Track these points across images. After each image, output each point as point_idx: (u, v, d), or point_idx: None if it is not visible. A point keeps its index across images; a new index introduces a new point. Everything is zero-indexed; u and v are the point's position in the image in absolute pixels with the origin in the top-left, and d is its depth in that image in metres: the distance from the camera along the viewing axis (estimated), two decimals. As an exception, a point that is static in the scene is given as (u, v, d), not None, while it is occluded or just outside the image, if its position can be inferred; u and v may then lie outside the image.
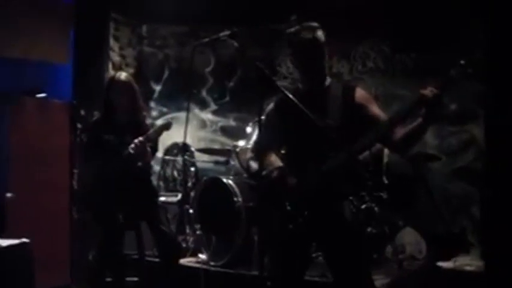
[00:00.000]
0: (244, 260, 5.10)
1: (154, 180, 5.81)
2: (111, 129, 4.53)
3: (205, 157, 6.54)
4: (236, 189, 5.26)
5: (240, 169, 5.63)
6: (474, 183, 5.73)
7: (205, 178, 5.78)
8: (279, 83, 3.20)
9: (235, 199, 5.22)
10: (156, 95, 7.23)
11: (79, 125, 6.21)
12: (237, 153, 5.64)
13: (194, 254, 5.66)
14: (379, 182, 5.23)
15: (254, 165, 5.19)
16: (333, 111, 3.18)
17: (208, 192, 5.55)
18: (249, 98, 6.18)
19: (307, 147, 3.19)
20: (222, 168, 6.16)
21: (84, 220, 5.91)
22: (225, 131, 7.22)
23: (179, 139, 6.06)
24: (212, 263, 5.31)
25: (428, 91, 2.87)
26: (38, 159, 5.82)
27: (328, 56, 3.28)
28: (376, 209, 5.09)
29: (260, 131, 3.41)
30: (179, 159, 6.55)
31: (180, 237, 5.85)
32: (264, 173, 3.21)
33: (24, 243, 4.61)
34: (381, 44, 6.40)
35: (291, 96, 3.07)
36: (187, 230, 5.90)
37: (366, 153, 4.77)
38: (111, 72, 6.40)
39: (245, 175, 5.55)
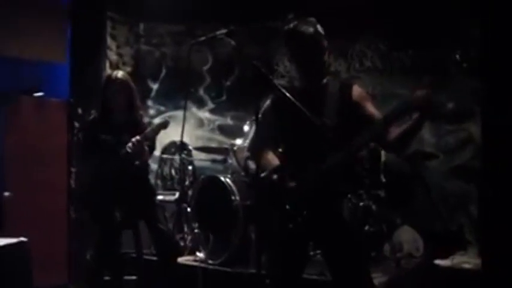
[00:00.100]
0: (241, 258, 5.11)
1: (152, 178, 5.80)
2: (108, 128, 4.53)
3: (203, 156, 6.54)
4: (234, 188, 5.27)
5: (237, 168, 5.63)
6: (472, 181, 5.73)
7: (202, 177, 5.78)
8: (276, 82, 3.19)
9: (232, 198, 5.22)
10: (153, 93, 7.22)
11: (76, 124, 6.21)
12: (234, 152, 5.65)
13: (192, 253, 5.66)
14: (377, 180, 5.24)
15: (252, 165, 5.19)
16: (329, 109, 3.16)
17: (205, 191, 5.55)
18: (247, 97, 6.20)
19: (304, 145, 3.18)
20: (220, 167, 6.16)
21: (82, 219, 5.91)
22: (222, 129, 7.21)
23: (177, 138, 6.05)
24: (210, 262, 5.31)
25: (419, 95, 2.85)
26: (35, 158, 5.82)
27: (327, 52, 3.25)
28: (373, 207, 5.10)
29: (256, 129, 3.40)
30: (177, 157, 6.54)
31: (178, 236, 5.85)
32: (263, 174, 3.20)
33: (22, 242, 4.60)
34: (378, 42, 6.40)
35: (287, 94, 3.06)
36: (185, 229, 5.90)
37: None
38: (108, 71, 6.39)
39: (243, 174, 5.55)
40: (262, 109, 3.35)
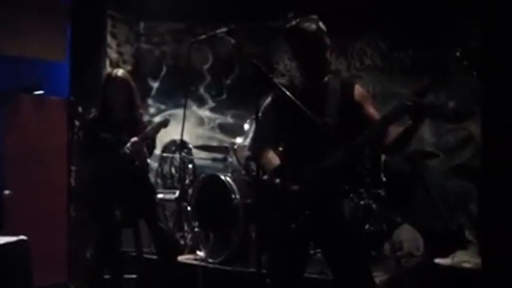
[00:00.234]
0: (242, 257, 5.11)
1: (152, 177, 5.80)
2: (108, 127, 4.52)
3: (203, 154, 6.54)
4: (234, 187, 5.26)
5: (237, 166, 5.63)
6: (472, 180, 5.73)
7: (203, 175, 5.78)
8: (276, 80, 3.18)
9: (233, 196, 5.22)
10: (153, 92, 7.22)
11: (77, 122, 6.21)
12: (234, 151, 5.65)
13: (192, 251, 5.66)
14: (377, 179, 5.23)
15: (254, 166, 5.19)
16: (331, 108, 3.15)
17: (206, 190, 5.54)
18: (247, 95, 6.20)
19: (304, 144, 3.17)
20: (220, 166, 6.17)
21: (82, 218, 5.91)
22: (222, 128, 7.21)
23: (177, 136, 6.04)
24: (210, 260, 5.31)
25: (412, 102, 2.85)
26: (35, 157, 5.82)
27: (330, 50, 3.24)
28: (374, 206, 5.10)
29: (256, 127, 3.40)
30: (177, 156, 6.54)
31: (178, 235, 5.85)
32: (264, 177, 3.19)
33: (22, 240, 4.60)
34: (378, 41, 6.40)
35: (287, 93, 3.06)
36: (185, 227, 5.90)
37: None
38: (109, 69, 6.39)
39: (243, 172, 5.55)
40: (262, 107, 3.34)
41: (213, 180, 5.47)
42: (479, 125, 5.32)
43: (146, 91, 7.06)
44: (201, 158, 6.59)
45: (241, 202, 5.18)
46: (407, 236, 5.12)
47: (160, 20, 7.15)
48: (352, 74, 6.50)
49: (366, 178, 5.11)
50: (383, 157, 5.33)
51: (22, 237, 4.60)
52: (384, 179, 5.27)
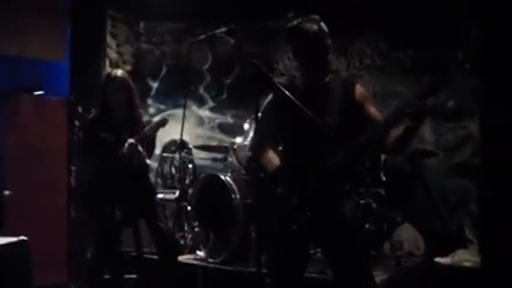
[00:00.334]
0: (242, 257, 5.10)
1: (152, 177, 5.80)
2: (108, 127, 4.52)
3: (203, 154, 6.54)
4: (234, 186, 5.26)
5: (237, 166, 5.63)
6: (472, 179, 5.73)
7: (203, 175, 5.78)
8: (276, 80, 3.18)
9: (233, 196, 5.22)
10: (153, 92, 7.21)
11: (77, 123, 6.20)
12: (234, 150, 5.64)
13: (192, 251, 5.66)
14: (377, 179, 5.23)
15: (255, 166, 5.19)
16: (331, 107, 3.15)
17: (206, 190, 5.54)
18: (247, 95, 6.19)
19: (305, 144, 3.17)
20: (220, 165, 6.17)
21: (82, 218, 5.91)
22: (222, 128, 7.21)
23: (177, 136, 6.04)
24: (210, 260, 5.31)
25: (413, 105, 2.86)
26: (35, 157, 5.82)
27: (331, 51, 3.24)
28: (374, 205, 5.10)
29: (256, 127, 3.40)
30: (177, 156, 6.54)
31: (178, 235, 5.85)
32: (265, 177, 3.19)
33: (22, 240, 4.60)
34: (378, 40, 6.40)
35: (287, 92, 3.05)
36: (185, 227, 5.90)
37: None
38: (108, 69, 6.39)
39: (243, 172, 5.54)
40: (263, 107, 3.34)
41: (213, 180, 5.47)
42: (478, 124, 5.33)
43: (146, 91, 7.06)
44: (201, 158, 6.59)
45: (241, 202, 5.18)
46: (408, 235, 5.12)
47: (160, 20, 7.15)
48: (352, 74, 6.50)
49: (366, 177, 5.11)
50: (383, 156, 5.32)
51: (22, 237, 4.60)
52: (384, 179, 5.27)
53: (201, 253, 5.50)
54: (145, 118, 4.75)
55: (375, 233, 5.09)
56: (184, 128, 4.34)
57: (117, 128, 4.50)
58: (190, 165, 6.45)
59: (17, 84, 5.89)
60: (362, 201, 5.06)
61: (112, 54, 6.82)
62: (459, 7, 5.61)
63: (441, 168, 5.95)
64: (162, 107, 7.14)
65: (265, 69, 3.06)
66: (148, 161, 4.73)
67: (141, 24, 7.20)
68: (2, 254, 4.47)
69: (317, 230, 3.10)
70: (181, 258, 5.35)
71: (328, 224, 3.11)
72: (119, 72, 4.68)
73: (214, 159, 6.39)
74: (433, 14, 5.81)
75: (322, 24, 3.19)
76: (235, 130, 6.49)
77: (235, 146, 5.64)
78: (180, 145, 6.32)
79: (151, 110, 7.09)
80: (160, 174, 6.81)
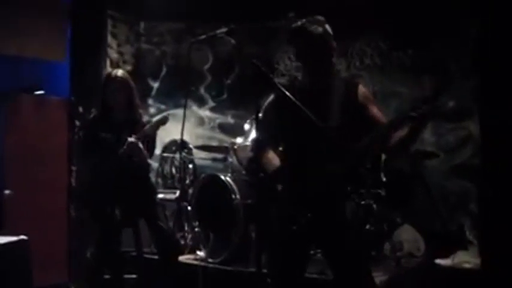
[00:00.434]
0: (242, 257, 5.10)
1: (152, 177, 5.80)
2: (108, 127, 4.52)
3: (203, 154, 6.54)
4: (234, 187, 5.26)
5: (238, 166, 5.62)
6: (472, 180, 5.73)
7: (203, 175, 5.78)
8: (277, 80, 3.18)
9: (233, 196, 5.22)
10: (153, 92, 7.21)
11: (77, 122, 6.20)
12: (235, 151, 5.64)
13: (192, 251, 5.66)
14: (377, 179, 5.23)
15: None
16: (334, 108, 3.14)
17: (206, 190, 5.54)
18: (247, 95, 6.19)
19: (305, 145, 3.16)
20: (220, 166, 6.17)
21: (82, 218, 5.91)
22: (223, 128, 7.20)
23: (177, 136, 6.04)
24: (210, 260, 5.31)
25: (417, 111, 2.86)
26: (35, 157, 5.82)
27: (335, 53, 3.23)
28: (374, 206, 5.09)
29: (257, 127, 3.39)
30: (177, 156, 6.54)
31: (178, 235, 5.84)
32: (265, 178, 3.19)
33: (22, 240, 4.61)
34: (377, 40, 6.39)
35: (287, 93, 3.05)
36: (186, 227, 5.89)
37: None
38: (109, 69, 6.39)
39: (243, 172, 5.54)
40: (264, 107, 3.34)
41: (213, 180, 5.47)
42: (478, 124, 5.33)
43: (146, 91, 7.06)
44: (201, 158, 6.59)
45: (241, 202, 5.18)
46: (408, 236, 5.11)
47: (160, 20, 7.15)
48: (352, 74, 6.49)
49: (367, 178, 5.10)
50: (383, 157, 5.32)
51: (22, 237, 4.61)
52: (384, 179, 5.27)
53: (201, 253, 5.50)
54: (145, 118, 4.75)
55: (375, 234, 5.08)
56: (184, 128, 4.33)
57: (117, 128, 4.50)
58: (190, 165, 6.45)
59: (17, 84, 5.89)
60: (362, 202, 5.05)
61: (112, 54, 6.82)
62: (459, 7, 5.60)
63: (441, 169, 5.94)
64: (163, 107, 7.14)
65: (266, 70, 3.06)
66: (149, 160, 4.73)
67: (142, 24, 7.20)
68: (2, 253, 4.47)
69: (317, 230, 3.10)
70: (181, 258, 5.35)
71: (329, 224, 3.11)
72: (119, 72, 4.68)
73: (214, 160, 6.39)
74: (432, 14, 5.80)
75: (327, 26, 3.18)
76: (235, 130, 6.49)
77: (235, 146, 5.64)
78: (181, 145, 6.32)
79: (152, 110, 7.09)
80: (160, 174, 6.81)
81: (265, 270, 3.26)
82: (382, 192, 5.18)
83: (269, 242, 3.25)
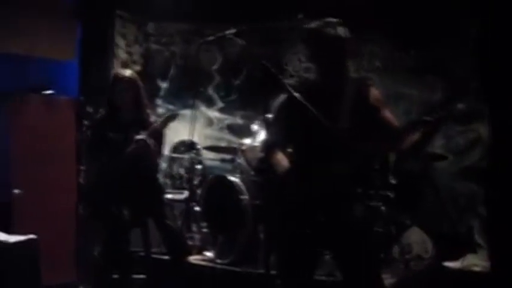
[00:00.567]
0: (250, 258, 5.10)
1: (161, 177, 5.81)
2: (116, 127, 4.54)
3: (212, 155, 6.54)
4: (242, 187, 5.27)
5: (246, 167, 5.62)
6: (481, 182, 5.70)
7: (211, 176, 5.78)
8: (287, 81, 3.17)
9: (241, 197, 5.22)
10: (162, 92, 7.22)
11: (86, 122, 6.21)
12: (243, 151, 5.64)
13: (200, 252, 5.66)
14: (386, 181, 5.21)
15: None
16: (345, 110, 3.13)
17: (214, 190, 5.55)
18: (256, 96, 6.18)
19: (315, 146, 3.15)
20: (229, 166, 6.16)
21: (90, 217, 5.91)
22: (231, 128, 7.19)
23: (186, 137, 6.05)
24: (218, 261, 5.31)
25: (432, 116, 2.88)
26: (44, 156, 5.82)
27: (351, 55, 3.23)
28: (382, 208, 5.08)
29: (268, 128, 3.39)
30: (186, 157, 6.54)
31: (187, 235, 5.84)
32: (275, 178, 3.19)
33: (31, 239, 4.62)
34: (385, 42, 6.37)
35: (296, 94, 3.04)
36: (194, 228, 5.90)
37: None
38: (118, 69, 6.40)
39: (252, 173, 5.54)
40: (274, 108, 3.34)
41: (222, 181, 5.47)
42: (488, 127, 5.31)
43: (155, 91, 7.07)
44: (209, 159, 6.59)
45: (249, 203, 5.18)
46: (416, 238, 5.09)
47: (169, 21, 7.15)
48: (361, 76, 6.47)
49: (375, 180, 5.09)
50: (392, 158, 5.30)
51: (31, 236, 4.62)
52: (393, 181, 5.25)
53: (209, 254, 5.50)
54: (153, 118, 4.75)
55: (383, 236, 5.07)
56: (193, 129, 4.33)
57: (125, 128, 4.52)
58: (199, 166, 6.44)
59: (27, 83, 5.90)
60: (371, 204, 5.04)
61: (121, 54, 6.83)
62: (465, 7, 5.59)
63: (450, 171, 5.92)
64: (171, 107, 7.13)
65: (275, 71, 3.06)
66: (158, 160, 4.74)
67: (150, 25, 7.21)
68: (12, 253, 4.49)
69: (327, 232, 3.09)
70: (189, 258, 5.35)
71: (338, 226, 3.10)
72: (127, 72, 4.71)
73: (223, 160, 6.39)
74: (441, 14, 5.79)
75: (343, 28, 3.17)
76: (244, 131, 6.47)
77: (244, 147, 5.64)
78: (189, 146, 6.32)
79: (161, 110, 7.09)
80: (169, 174, 6.81)
81: (273, 272, 3.25)
82: (391, 194, 5.16)
83: (278, 243, 3.24)
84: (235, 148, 5.87)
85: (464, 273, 4.89)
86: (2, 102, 5.71)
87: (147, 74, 6.91)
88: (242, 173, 5.62)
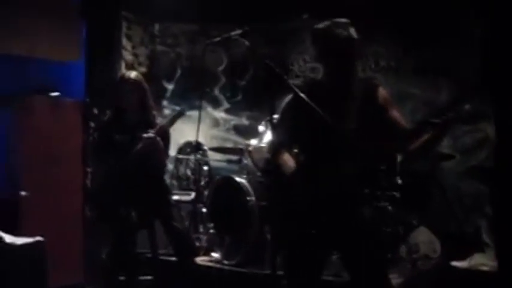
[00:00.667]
0: (257, 258, 5.10)
1: (167, 178, 5.81)
2: (122, 129, 4.54)
3: (218, 156, 6.54)
4: (249, 188, 5.26)
5: (253, 168, 5.62)
6: (488, 182, 5.68)
7: (218, 177, 5.79)
8: (292, 81, 3.16)
9: (248, 198, 5.22)
10: (168, 93, 7.23)
11: (92, 124, 6.22)
12: (249, 152, 5.63)
13: (207, 253, 5.66)
14: (393, 181, 5.20)
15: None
16: (352, 110, 3.12)
17: (221, 191, 5.55)
18: (262, 97, 6.17)
19: (322, 147, 3.14)
20: (235, 167, 6.16)
21: (97, 219, 5.92)
22: (237, 129, 7.19)
23: (192, 138, 6.06)
24: (225, 262, 5.31)
25: (441, 118, 2.87)
26: (51, 158, 5.84)
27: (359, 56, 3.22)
28: (389, 208, 5.07)
29: (274, 128, 3.38)
30: (192, 158, 6.54)
31: (193, 236, 5.85)
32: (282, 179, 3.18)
33: (38, 241, 4.64)
34: (391, 42, 6.35)
35: (302, 95, 3.04)
36: (201, 229, 5.90)
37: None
38: (124, 70, 6.41)
39: (258, 174, 5.53)
40: (280, 109, 3.33)
41: (228, 181, 5.47)
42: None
43: (161, 93, 7.07)
44: (216, 160, 6.59)
45: (256, 204, 5.18)
46: (424, 238, 5.07)
47: (174, 22, 7.16)
48: (368, 76, 6.46)
49: (382, 180, 5.08)
50: (399, 158, 5.29)
51: (38, 238, 4.63)
52: (400, 181, 5.24)
53: (216, 255, 5.50)
54: (159, 120, 4.76)
55: (391, 236, 5.06)
56: (199, 130, 4.33)
57: (131, 130, 4.52)
58: (205, 167, 6.45)
59: (32, 85, 5.92)
60: (378, 205, 5.03)
61: (127, 56, 6.84)
62: (469, 7, 5.57)
63: (458, 171, 5.90)
64: (177, 108, 7.11)
65: (279, 71, 3.05)
66: (165, 160, 4.74)
67: (156, 26, 7.22)
68: (19, 254, 4.51)
69: (334, 232, 3.08)
70: (196, 259, 5.35)
71: (345, 227, 3.09)
72: (133, 74, 4.72)
73: (229, 161, 6.39)
74: (445, 14, 5.78)
75: (352, 29, 3.15)
76: (250, 132, 6.48)
77: (250, 148, 5.63)
78: (196, 147, 6.33)
79: (167, 112, 7.10)
80: (175, 175, 6.82)
81: (280, 272, 3.25)
82: (398, 195, 5.15)
83: (285, 244, 3.24)
84: (241, 149, 5.87)
85: (471, 273, 4.88)
86: (7, 104, 5.73)
87: (153, 76, 6.92)
88: (249, 173, 5.62)
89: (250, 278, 5.03)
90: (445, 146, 5.87)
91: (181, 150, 6.74)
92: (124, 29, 6.80)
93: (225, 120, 7.24)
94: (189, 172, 6.73)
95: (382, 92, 3.21)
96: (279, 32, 6.48)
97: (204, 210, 5.77)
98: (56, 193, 5.80)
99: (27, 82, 5.90)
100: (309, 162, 3.19)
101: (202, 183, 6.32)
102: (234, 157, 6.17)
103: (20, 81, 5.85)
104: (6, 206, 5.54)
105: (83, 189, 6.10)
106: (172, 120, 4.52)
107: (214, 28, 6.39)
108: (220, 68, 7.18)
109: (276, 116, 3.27)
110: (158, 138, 4.46)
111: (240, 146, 6.00)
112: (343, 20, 3.18)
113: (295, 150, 3.35)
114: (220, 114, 7.24)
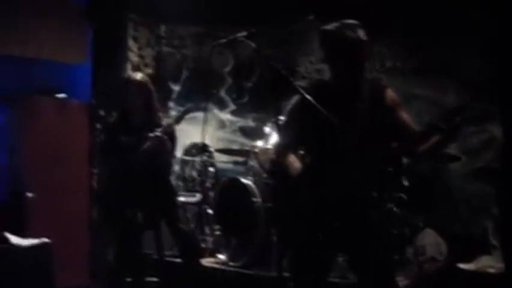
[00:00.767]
0: (263, 260, 5.09)
1: (173, 180, 5.81)
2: (127, 130, 4.55)
3: (224, 157, 6.54)
4: (255, 190, 5.26)
5: (259, 169, 5.61)
6: (495, 183, 5.66)
7: (224, 178, 5.79)
8: (298, 83, 3.16)
9: (254, 199, 5.21)
10: (174, 95, 7.23)
11: (98, 126, 6.22)
12: (256, 154, 5.63)
13: (213, 255, 5.66)
14: (399, 183, 5.19)
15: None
16: (360, 111, 3.11)
17: (227, 193, 5.55)
18: (268, 98, 6.17)
19: (328, 148, 3.13)
20: (241, 169, 6.15)
21: (103, 220, 5.93)
22: (244, 131, 7.19)
23: (198, 139, 6.06)
24: (231, 264, 5.31)
25: (448, 123, 2.86)
26: (57, 160, 5.84)
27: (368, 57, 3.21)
28: (396, 210, 5.05)
29: (280, 130, 3.37)
30: (198, 159, 6.54)
31: (199, 238, 5.85)
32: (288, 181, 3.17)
33: (44, 243, 4.65)
34: (397, 42, 6.34)
35: (308, 96, 3.03)
36: (206, 231, 5.90)
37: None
38: (130, 72, 6.42)
39: (264, 175, 5.53)
40: (287, 110, 3.32)
41: (234, 183, 5.47)
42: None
43: (167, 94, 7.08)
44: (222, 162, 6.59)
45: (262, 205, 5.17)
46: (430, 240, 5.06)
47: (181, 23, 7.16)
48: (374, 77, 6.45)
49: (388, 182, 5.07)
50: (405, 160, 5.28)
51: (45, 240, 4.64)
52: (406, 183, 5.22)
53: (221, 256, 5.50)
54: (164, 121, 4.76)
55: (397, 238, 5.04)
56: (205, 131, 4.34)
57: (137, 131, 4.53)
58: (211, 169, 6.45)
59: (39, 87, 5.93)
60: (385, 207, 5.02)
61: (133, 57, 6.84)
62: (474, 8, 5.56)
63: (464, 172, 5.89)
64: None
65: (285, 72, 3.05)
66: (171, 161, 4.75)
67: (162, 28, 7.22)
68: (25, 255, 4.51)
69: (340, 235, 3.07)
70: (202, 261, 5.35)
71: (352, 229, 3.08)
72: (138, 75, 4.73)
73: (235, 163, 6.39)
74: (450, 14, 5.76)
75: (361, 31, 3.14)
76: (256, 133, 6.47)
77: (256, 150, 5.63)
78: (202, 148, 6.33)
79: (173, 113, 7.09)
80: (181, 177, 6.81)
81: (286, 274, 3.24)
82: (404, 196, 5.13)
83: (291, 246, 3.23)
84: (247, 150, 5.86)
85: (478, 275, 4.86)
86: (13, 105, 5.75)
87: (159, 77, 6.93)
88: (255, 175, 5.62)
89: (256, 280, 5.03)
90: (451, 147, 5.85)
91: (187, 151, 6.74)
92: (130, 31, 6.81)
93: (231, 122, 7.24)
94: (195, 174, 6.72)
95: (390, 93, 3.19)
96: (285, 33, 6.48)
97: (210, 211, 5.77)
98: (62, 194, 5.80)
99: (33, 84, 5.90)
100: (315, 163, 3.18)
101: (208, 184, 6.32)
102: (240, 159, 6.17)
103: (26, 82, 5.86)
104: (12, 208, 5.55)
105: (89, 191, 6.11)
106: (180, 117, 4.53)
107: (220, 30, 6.39)
108: (227, 70, 7.18)
109: (282, 118, 3.27)
110: (165, 137, 4.47)
111: (246, 148, 6.00)
112: (352, 21, 3.17)
113: (302, 152, 3.34)
114: (226, 115, 7.24)
